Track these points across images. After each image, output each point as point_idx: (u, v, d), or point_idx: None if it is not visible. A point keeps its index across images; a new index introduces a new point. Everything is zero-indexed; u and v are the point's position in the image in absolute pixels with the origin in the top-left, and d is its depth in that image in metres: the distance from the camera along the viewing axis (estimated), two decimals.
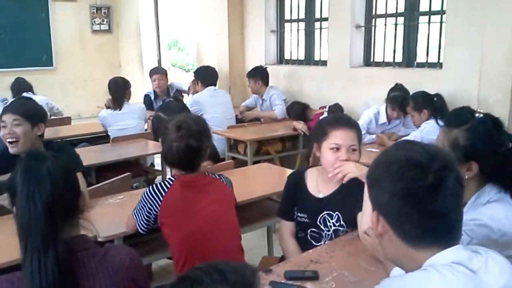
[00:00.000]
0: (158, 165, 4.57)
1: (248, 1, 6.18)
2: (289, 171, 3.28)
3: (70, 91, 8.38)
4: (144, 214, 2.07)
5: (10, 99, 4.76)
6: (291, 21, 5.95)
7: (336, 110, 4.47)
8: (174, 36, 13.78)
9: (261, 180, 3.21)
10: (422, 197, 1.06)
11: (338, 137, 2.05)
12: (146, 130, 4.57)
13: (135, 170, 3.74)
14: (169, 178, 2.10)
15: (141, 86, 7.80)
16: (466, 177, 1.59)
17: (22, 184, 1.32)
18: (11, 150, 2.54)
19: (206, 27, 6.56)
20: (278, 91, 5.25)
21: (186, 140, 1.98)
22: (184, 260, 2.03)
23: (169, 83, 5.85)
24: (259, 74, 5.17)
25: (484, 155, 1.58)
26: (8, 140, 2.53)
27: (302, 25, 5.78)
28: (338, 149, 2.04)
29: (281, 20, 6.05)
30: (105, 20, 8.63)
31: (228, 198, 2.17)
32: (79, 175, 2.58)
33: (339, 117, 2.20)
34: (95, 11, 8.45)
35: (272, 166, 3.54)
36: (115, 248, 1.44)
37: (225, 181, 2.19)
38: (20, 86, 5.09)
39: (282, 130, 4.71)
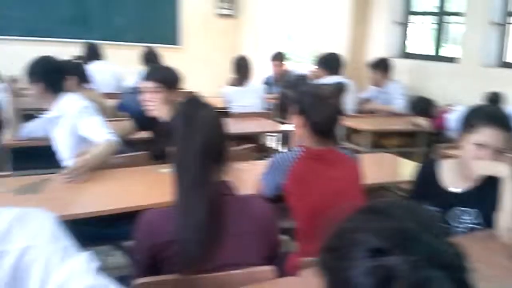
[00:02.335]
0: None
1: None
2: (408, 162, 3.17)
3: (193, 70, 8.75)
4: (271, 180, 2.10)
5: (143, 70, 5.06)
6: (418, 13, 5.71)
7: (494, 99, 4.12)
8: (289, 27, 13.86)
9: (377, 168, 3.12)
10: None
11: (487, 135, 1.87)
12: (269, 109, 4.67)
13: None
14: (298, 149, 2.11)
15: (257, 75, 7.94)
16: None
17: (181, 127, 1.40)
18: (151, 113, 2.69)
19: (327, 17, 6.51)
20: (400, 85, 5.06)
21: (335, 109, 1.98)
22: (306, 232, 2.03)
23: (286, 69, 5.92)
24: (383, 66, 5.02)
25: None
26: (147, 105, 2.70)
27: (430, 18, 5.53)
28: (482, 147, 1.89)
29: (407, 12, 5.83)
30: (230, 5, 8.90)
31: (356, 175, 2.13)
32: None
33: (494, 114, 1.94)
34: None
35: (391, 156, 3.41)
36: (255, 198, 1.49)
37: (353, 158, 2.15)
38: (150, 57, 5.33)
39: (401, 125, 4.53)
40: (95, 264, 1.09)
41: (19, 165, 2.99)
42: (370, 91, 5.36)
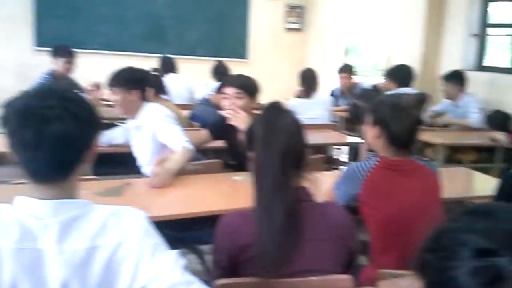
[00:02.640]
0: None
1: (449, 3, 5.86)
2: (485, 177, 3.03)
3: (260, 83, 8.86)
4: (344, 189, 2.09)
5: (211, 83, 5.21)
6: (495, 25, 5.49)
7: None
8: (356, 40, 13.71)
9: (452, 183, 3.00)
10: None
11: None
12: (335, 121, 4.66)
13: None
14: (373, 159, 2.08)
15: (323, 88, 7.93)
16: None
17: (262, 132, 1.43)
18: (229, 120, 2.73)
19: (398, 30, 6.40)
20: (475, 99, 4.86)
21: (415, 120, 1.96)
22: (381, 243, 1.99)
23: (354, 82, 5.88)
24: (458, 78, 4.85)
25: None
26: (226, 112, 2.74)
27: (508, 30, 5.30)
28: None
29: (484, 24, 5.61)
30: (298, 19, 8.97)
31: (435, 188, 2.07)
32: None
33: None
34: (290, 10, 8.85)
35: (467, 171, 3.27)
36: (333, 205, 1.49)
37: (432, 169, 2.09)
38: (220, 70, 5.44)
39: (477, 139, 4.34)
40: (182, 262, 1.14)
41: (97, 170, 3.13)
42: (443, 104, 5.18)
